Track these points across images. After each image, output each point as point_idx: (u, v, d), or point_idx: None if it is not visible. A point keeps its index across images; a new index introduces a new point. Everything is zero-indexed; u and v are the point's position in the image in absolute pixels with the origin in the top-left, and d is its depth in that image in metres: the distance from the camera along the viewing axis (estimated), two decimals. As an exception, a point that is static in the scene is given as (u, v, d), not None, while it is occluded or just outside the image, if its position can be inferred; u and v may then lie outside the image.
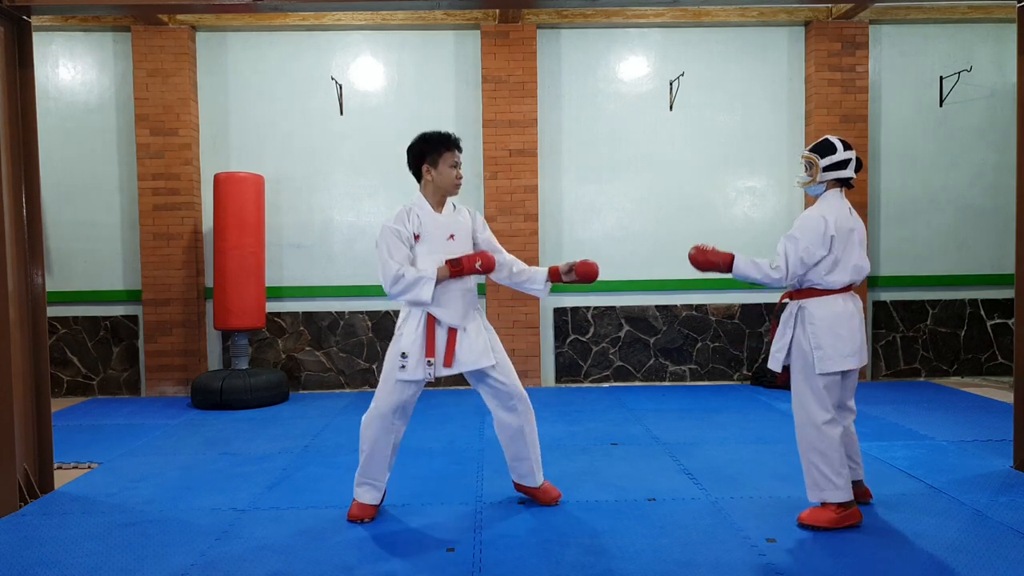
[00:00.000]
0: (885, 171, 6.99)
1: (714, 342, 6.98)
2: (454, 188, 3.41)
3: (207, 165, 6.79)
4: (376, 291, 6.87)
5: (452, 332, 3.38)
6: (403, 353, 3.34)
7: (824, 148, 3.31)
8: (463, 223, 3.47)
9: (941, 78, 6.94)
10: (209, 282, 6.79)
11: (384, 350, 6.87)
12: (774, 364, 3.40)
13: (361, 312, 6.90)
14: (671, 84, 6.86)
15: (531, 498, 3.67)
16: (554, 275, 3.50)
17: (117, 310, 6.83)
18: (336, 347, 6.91)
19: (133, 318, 6.82)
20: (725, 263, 3.29)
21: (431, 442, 4.90)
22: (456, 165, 3.39)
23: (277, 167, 6.80)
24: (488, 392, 3.55)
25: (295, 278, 6.88)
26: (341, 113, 6.82)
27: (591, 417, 5.54)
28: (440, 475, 4.15)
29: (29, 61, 3.90)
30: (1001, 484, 3.83)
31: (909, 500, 3.61)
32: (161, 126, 6.57)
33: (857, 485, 3.53)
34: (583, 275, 3.44)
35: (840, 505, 3.25)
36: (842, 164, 3.29)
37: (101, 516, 3.57)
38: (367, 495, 3.47)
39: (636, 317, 6.97)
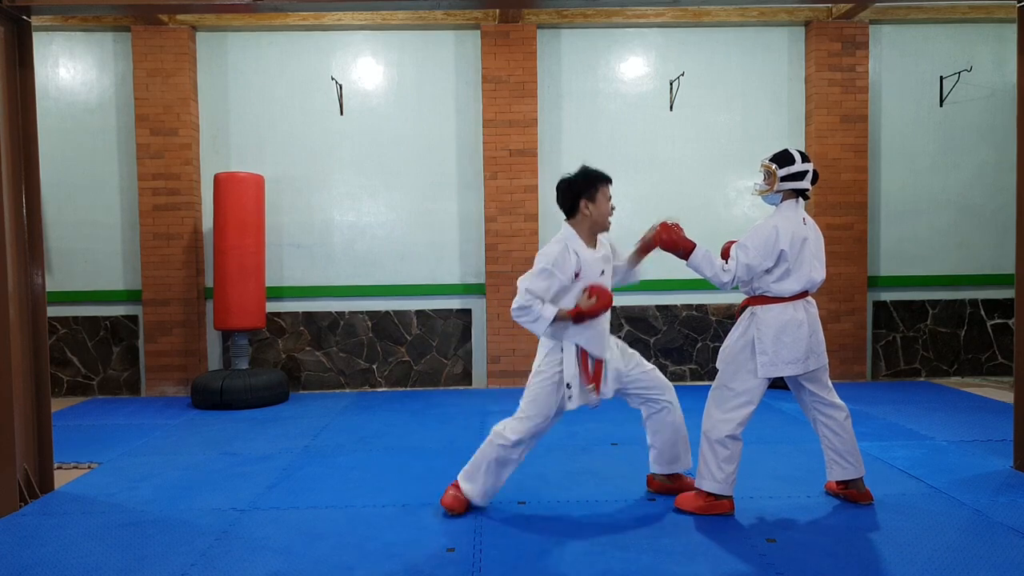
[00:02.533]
0: (885, 171, 6.99)
1: (714, 342, 6.98)
2: (608, 223, 3.42)
3: (207, 165, 6.79)
4: (376, 291, 6.87)
5: (598, 363, 3.43)
6: (568, 384, 3.37)
7: (783, 158, 3.43)
8: (608, 257, 3.49)
9: (941, 78, 6.94)
10: (209, 282, 6.79)
11: (384, 350, 6.89)
12: (720, 363, 3.52)
13: (361, 312, 6.90)
14: (671, 84, 6.86)
15: (670, 490, 3.70)
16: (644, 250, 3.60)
17: (117, 310, 6.83)
18: (336, 347, 6.91)
19: (133, 318, 6.82)
20: (686, 250, 3.41)
21: (431, 442, 4.90)
22: (610, 198, 3.41)
23: (277, 167, 6.80)
24: (637, 401, 3.62)
25: (295, 278, 6.88)
26: (341, 113, 6.82)
27: (591, 417, 5.53)
28: (440, 475, 4.14)
29: (29, 61, 3.90)
30: (1001, 484, 3.83)
31: (909, 500, 3.61)
32: (161, 126, 6.57)
33: (855, 484, 3.55)
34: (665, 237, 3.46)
35: (711, 494, 3.43)
36: (799, 175, 3.40)
37: (101, 516, 3.58)
38: (474, 492, 3.48)
39: (636, 317, 6.97)
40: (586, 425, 5.29)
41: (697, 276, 6.42)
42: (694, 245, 3.40)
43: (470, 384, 6.97)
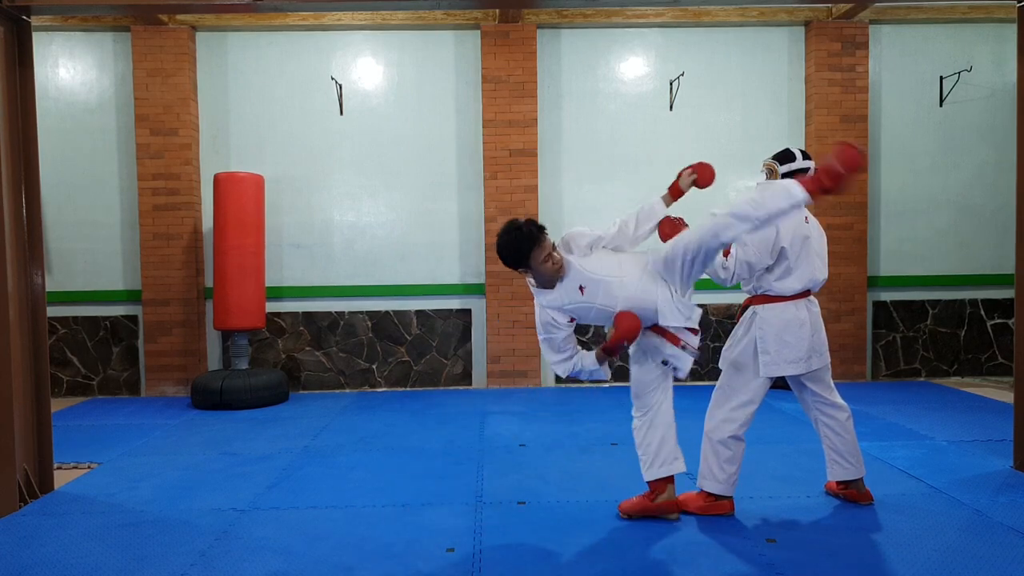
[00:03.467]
0: (885, 171, 6.99)
1: (714, 342, 6.98)
2: (557, 275, 3.15)
3: (207, 165, 6.78)
4: (376, 291, 6.87)
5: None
6: (665, 361, 3.25)
7: (784, 156, 3.45)
8: (573, 270, 3.17)
9: (941, 78, 6.94)
10: (209, 282, 6.79)
11: (384, 350, 6.89)
12: (722, 363, 3.51)
13: (361, 312, 6.90)
14: (671, 84, 6.86)
15: None
16: (675, 192, 3.32)
17: (117, 310, 6.83)
18: (336, 347, 6.91)
19: (133, 318, 6.82)
20: None
21: (431, 442, 4.90)
22: (549, 256, 3.10)
23: (277, 167, 6.80)
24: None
25: (295, 278, 6.88)
26: (341, 113, 6.82)
27: (591, 417, 5.54)
28: (440, 475, 4.15)
29: (29, 61, 3.90)
30: (1001, 484, 3.83)
31: (909, 500, 3.61)
32: (161, 126, 6.57)
33: (855, 484, 3.55)
34: (703, 176, 3.27)
35: (711, 494, 3.43)
36: (801, 172, 3.40)
37: (101, 516, 3.58)
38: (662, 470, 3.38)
39: (636, 317, 6.96)
40: (586, 425, 5.29)
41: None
42: None
43: (470, 384, 6.97)
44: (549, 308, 3.21)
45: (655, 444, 3.36)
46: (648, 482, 3.40)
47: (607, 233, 3.30)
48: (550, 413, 5.72)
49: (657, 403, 3.35)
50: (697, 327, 3.23)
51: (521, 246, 3.10)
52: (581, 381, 6.95)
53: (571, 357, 3.23)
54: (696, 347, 3.22)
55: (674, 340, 3.21)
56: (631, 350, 3.40)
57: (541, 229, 3.12)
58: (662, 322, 3.17)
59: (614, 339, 3.09)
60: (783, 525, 3.32)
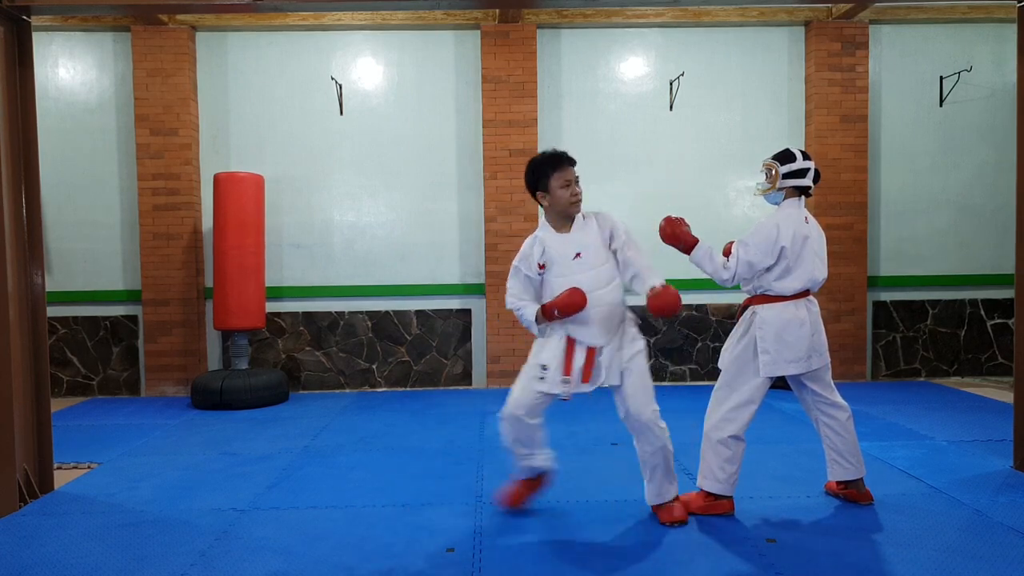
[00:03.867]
0: (885, 171, 6.99)
1: (714, 342, 6.98)
2: (571, 207, 3.25)
3: (207, 165, 6.78)
4: (376, 291, 6.87)
5: (591, 351, 3.25)
6: (544, 365, 3.28)
7: (784, 156, 3.45)
8: (590, 237, 3.26)
9: (941, 78, 6.94)
10: (209, 282, 6.79)
11: (384, 350, 6.89)
12: (722, 363, 3.51)
13: (361, 312, 6.90)
14: (671, 84, 6.86)
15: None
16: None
17: (117, 310, 6.83)
18: (336, 347, 6.91)
19: (133, 318, 6.82)
20: (688, 245, 3.41)
21: (431, 442, 4.90)
22: (568, 184, 3.23)
23: (277, 167, 6.80)
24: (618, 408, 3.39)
25: (295, 278, 6.88)
26: (341, 113, 6.82)
27: (591, 417, 5.53)
28: (440, 475, 4.15)
29: (29, 61, 3.90)
30: (1001, 484, 3.83)
31: (909, 500, 3.61)
32: (161, 126, 6.57)
33: (855, 484, 3.55)
34: (657, 309, 3.13)
35: (711, 494, 3.43)
36: (800, 172, 3.41)
37: (101, 516, 3.58)
38: (527, 470, 3.47)
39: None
40: (586, 425, 5.29)
41: (697, 276, 6.46)
42: (696, 240, 3.40)
43: (470, 384, 6.97)
44: (540, 243, 3.28)
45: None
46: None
47: (629, 237, 3.35)
48: (550, 413, 5.70)
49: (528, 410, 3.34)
50: (588, 385, 3.25)
51: (553, 159, 3.25)
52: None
53: (521, 298, 3.33)
54: (564, 393, 3.27)
55: (566, 367, 3.24)
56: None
57: (571, 161, 3.28)
58: (580, 337, 3.22)
59: (553, 303, 3.16)
60: (783, 525, 3.32)
